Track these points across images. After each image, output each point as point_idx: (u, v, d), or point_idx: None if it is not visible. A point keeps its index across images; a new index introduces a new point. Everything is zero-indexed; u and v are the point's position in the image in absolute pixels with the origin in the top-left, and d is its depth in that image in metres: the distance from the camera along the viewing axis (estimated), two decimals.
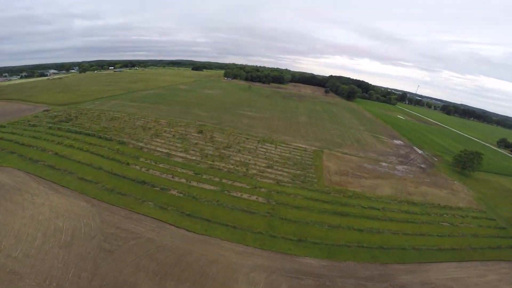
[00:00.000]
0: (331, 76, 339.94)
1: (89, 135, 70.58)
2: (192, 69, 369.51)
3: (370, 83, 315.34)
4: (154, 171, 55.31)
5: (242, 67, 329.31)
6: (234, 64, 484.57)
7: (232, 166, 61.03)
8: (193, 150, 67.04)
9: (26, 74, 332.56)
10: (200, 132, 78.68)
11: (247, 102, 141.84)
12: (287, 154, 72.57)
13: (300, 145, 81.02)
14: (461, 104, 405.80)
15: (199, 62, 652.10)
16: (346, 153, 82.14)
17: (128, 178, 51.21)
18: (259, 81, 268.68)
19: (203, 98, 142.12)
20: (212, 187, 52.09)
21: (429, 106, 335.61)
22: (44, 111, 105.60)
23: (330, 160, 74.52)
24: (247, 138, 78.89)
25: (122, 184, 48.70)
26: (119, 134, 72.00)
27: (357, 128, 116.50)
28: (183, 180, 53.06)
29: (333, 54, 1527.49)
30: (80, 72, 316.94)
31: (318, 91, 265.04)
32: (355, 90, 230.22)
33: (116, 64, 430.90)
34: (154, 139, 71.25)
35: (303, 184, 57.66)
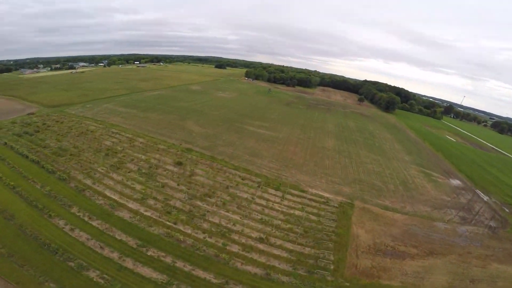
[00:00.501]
0: (365, 81, 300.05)
1: (32, 161, 53.43)
2: (215, 66, 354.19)
3: (410, 90, 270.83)
4: (81, 233, 36.60)
5: (265, 67, 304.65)
6: (259, 63, 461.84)
7: (202, 236, 39.04)
8: (154, 198, 46.10)
9: (58, 66, 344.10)
10: (179, 164, 57.52)
11: (261, 112, 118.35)
12: (297, 212, 48.23)
13: (320, 193, 55.85)
14: (509, 118, 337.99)
15: (226, 59, 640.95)
16: (387, 207, 55.32)
17: (38, 241, 34.98)
18: (283, 83, 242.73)
19: (210, 103, 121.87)
20: (154, 275, 31.64)
21: (478, 121, 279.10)
22: (27, 114, 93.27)
23: (363, 223, 48.82)
24: (243, 179, 55.64)
25: (25, 249, 33.33)
26: (69, 163, 53.84)
27: (402, 159, 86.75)
28: (115, 255, 33.10)
29: (367, 57, 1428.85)
30: (104, 66, 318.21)
31: (350, 98, 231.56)
32: (395, 100, 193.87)
33: (143, 58, 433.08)
34: (111, 174, 51.68)
35: (310, 279, 34.07)
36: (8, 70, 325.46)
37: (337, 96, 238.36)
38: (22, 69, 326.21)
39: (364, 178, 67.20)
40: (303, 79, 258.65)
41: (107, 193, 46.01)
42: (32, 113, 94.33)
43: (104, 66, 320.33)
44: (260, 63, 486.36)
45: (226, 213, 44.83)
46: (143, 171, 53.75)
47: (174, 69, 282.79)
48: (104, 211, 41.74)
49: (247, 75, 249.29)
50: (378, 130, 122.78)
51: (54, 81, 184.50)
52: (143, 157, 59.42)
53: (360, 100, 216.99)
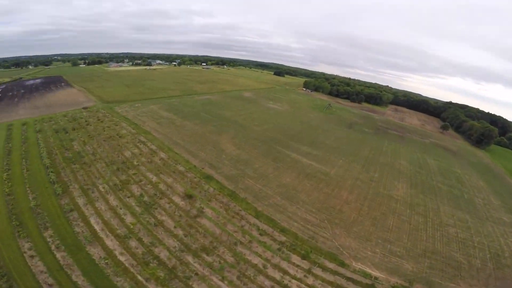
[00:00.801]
0: (450, 104, 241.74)
1: (44, 166, 48.94)
2: (274, 73, 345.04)
3: (509, 120, 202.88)
4: (38, 263, 34.98)
5: (328, 78, 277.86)
6: (322, 74, 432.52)
7: None
8: (139, 239, 34.83)
9: (138, 61, 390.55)
10: (189, 197, 44.96)
11: (313, 133, 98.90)
12: None
13: (367, 269, 35.38)
14: None
15: (286, 66, 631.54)
16: None
17: None
18: (347, 98, 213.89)
19: (256, 115, 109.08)
20: None
21: None
22: (82, 108, 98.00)
23: None
24: (261, 234, 39.20)
25: None
26: (75, 174, 47.51)
27: (499, 220, 55.67)
28: None
29: (451, 75, 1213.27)
30: (175, 65, 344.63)
31: (429, 124, 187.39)
32: (492, 133, 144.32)
33: (211, 60, 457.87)
34: (109, 195, 42.80)
35: None
36: (99, 62, 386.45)
37: (413, 119, 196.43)
38: (110, 63, 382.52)
39: (440, 248, 43.20)
40: (372, 95, 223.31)
41: (92, 220, 37.05)
42: (86, 108, 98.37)
43: (175, 65, 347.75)
44: (323, 74, 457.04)
45: (219, 283, 29.71)
46: (144, 198, 43.16)
47: (234, 73, 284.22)
48: (76, 242, 33.06)
49: (306, 85, 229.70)
50: (467, 173, 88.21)
51: (125, 76, 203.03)
52: (153, 179, 49.29)
53: (444, 127, 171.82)
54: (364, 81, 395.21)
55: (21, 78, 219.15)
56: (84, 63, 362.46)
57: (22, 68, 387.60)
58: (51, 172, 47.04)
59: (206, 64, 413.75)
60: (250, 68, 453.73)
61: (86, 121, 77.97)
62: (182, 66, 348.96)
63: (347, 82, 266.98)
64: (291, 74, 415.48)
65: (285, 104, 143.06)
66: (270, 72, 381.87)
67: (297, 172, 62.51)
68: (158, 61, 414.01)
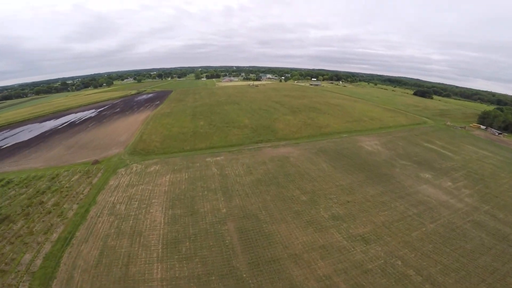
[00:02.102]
0: None
1: None
2: (415, 93, 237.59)
3: None
4: None
5: None
6: (489, 93, 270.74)
7: None
8: None
9: (252, 75, 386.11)
10: None
11: None
12: None
13: None
14: None
15: (428, 83, 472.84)
16: None
17: None
18: None
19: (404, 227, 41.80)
20: None
21: None
22: (92, 163, 65.88)
23: None
24: None
25: None
26: None
27: None
28: None
29: None
30: (280, 81, 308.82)
31: None
32: None
33: (324, 75, 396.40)
34: None
35: None
36: (217, 76, 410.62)
37: None
38: (224, 77, 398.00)
39: None
40: None
41: None
42: (97, 161, 65.55)
43: (281, 81, 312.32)
44: (492, 94, 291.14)
45: None
46: None
47: (351, 92, 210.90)
48: None
49: (485, 120, 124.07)
50: None
51: (220, 93, 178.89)
52: None
53: None
54: None
55: (138, 92, 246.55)
56: (206, 76, 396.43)
57: (162, 79, 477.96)
58: None
59: (316, 79, 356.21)
60: (376, 84, 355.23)
61: (77, 192, 40.84)
62: (289, 82, 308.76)
63: None
64: (439, 94, 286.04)
65: (470, 182, 61.47)
66: (408, 91, 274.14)
67: None
68: (268, 76, 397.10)
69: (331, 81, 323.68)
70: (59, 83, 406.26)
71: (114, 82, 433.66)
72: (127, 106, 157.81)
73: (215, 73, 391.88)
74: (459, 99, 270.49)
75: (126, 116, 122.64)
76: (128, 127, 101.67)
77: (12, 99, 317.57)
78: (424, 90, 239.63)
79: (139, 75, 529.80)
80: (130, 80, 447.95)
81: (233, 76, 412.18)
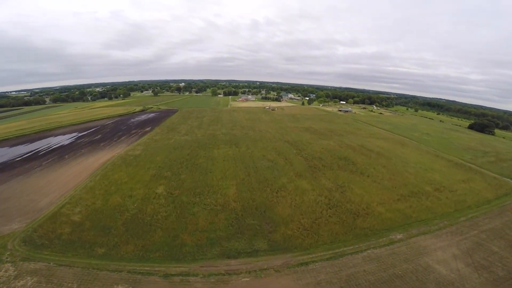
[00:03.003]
0: None
1: None
2: (471, 127, 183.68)
3: None
4: None
5: None
6: None
7: None
8: None
9: (273, 94, 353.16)
10: None
11: None
12: None
13: None
14: None
15: (465, 104, 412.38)
16: None
17: None
18: None
19: None
20: None
21: None
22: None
23: None
24: None
25: None
26: None
27: None
28: None
29: None
30: (303, 103, 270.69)
31: None
32: None
33: (355, 97, 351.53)
34: None
35: None
36: (235, 93, 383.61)
37: None
38: (241, 95, 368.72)
39: None
40: None
41: None
42: None
43: (303, 103, 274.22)
44: None
45: None
46: None
47: (391, 125, 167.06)
48: None
49: None
50: None
51: (225, 121, 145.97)
52: None
53: None
54: None
55: (143, 110, 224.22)
56: (224, 93, 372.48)
57: (180, 93, 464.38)
58: None
59: (346, 102, 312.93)
60: (417, 110, 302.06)
61: None
62: (313, 104, 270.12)
63: None
64: (496, 125, 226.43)
65: None
66: (457, 120, 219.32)
67: None
68: (290, 95, 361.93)
69: (363, 106, 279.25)
70: (78, 91, 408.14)
71: (132, 94, 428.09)
72: (113, 131, 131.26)
73: (233, 90, 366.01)
74: None
75: (94, 152, 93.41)
76: (74, 176, 71.00)
77: (31, 105, 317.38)
78: (484, 123, 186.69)
79: (158, 87, 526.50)
80: (149, 92, 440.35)
81: (251, 94, 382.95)
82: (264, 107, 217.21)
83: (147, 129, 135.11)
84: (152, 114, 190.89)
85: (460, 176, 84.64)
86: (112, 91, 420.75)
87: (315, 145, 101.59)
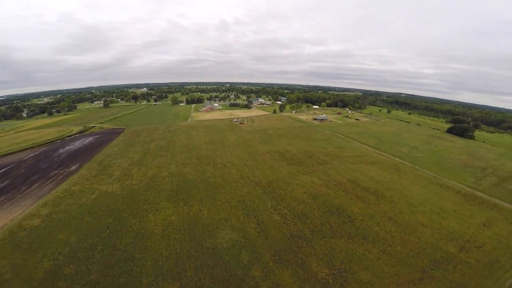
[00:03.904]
0: None
1: None
2: (450, 131, 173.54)
3: None
4: None
5: None
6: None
7: None
8: None
9: (244, 99, 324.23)
10: None
11: None
12: None
13: None
14: None
15: (420, 97, 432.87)
16: None
17: None
18: None
19: None
20: None
21: None
22: None
23: None
24: None
25: None
26: None
27: None
28: None
29: None
30: (274, 111, 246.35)
31: None
32: None
33: (327, 99, 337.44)
34: None
35: None
36: (199, 100, 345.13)
37: None
38: (207, 102, 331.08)
39: None
40: None
41: None
42: None
43: (275, 110, 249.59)
44: None
45: None
46: None
47: (376, 139, 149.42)
48: None
49: None
50: None
51: (152, 151, 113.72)
52: None
53: None
54: None
55: (83, 130, 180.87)
56: (186, 100, 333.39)
57: (136, 102, 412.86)
58: None
59: (319, 106, 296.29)
60: (389, 111, 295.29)
61: None
62: (285, 112, 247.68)
63: None
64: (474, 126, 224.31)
65: None
66: (430, 121, 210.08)
67: None
68: (261, 100, 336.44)
69: (337, 111, 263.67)
70: (11, 108, 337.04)
71: (80, 106, 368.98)
72: (27, 173, 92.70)
73: (197, 97, 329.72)
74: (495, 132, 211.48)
75: None
76: None
77: None
78: (464, 127, 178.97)
79: (115, 94, 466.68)
80: (100, 103, 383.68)
81: (218, 100, 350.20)
82: (232, 120, 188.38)
83: (73, 167, 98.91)
84: (90, 138, 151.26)
85: (478, 217, 66.52)
86: (55, 104, 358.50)
87: (295, 187, 75.68)
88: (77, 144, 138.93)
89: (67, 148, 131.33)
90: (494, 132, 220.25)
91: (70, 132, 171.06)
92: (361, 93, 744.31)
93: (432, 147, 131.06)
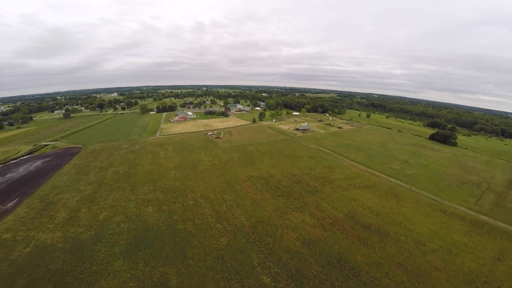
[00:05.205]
0: None
1: None
2: (432, 138, 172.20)
3: None
4: None
5: None
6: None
7: None
8: None
9: (221, 107, 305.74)
10: None
11: None
12: None
13: None
14: None
15: (389, 97, 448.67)
16: None
17: None
18: None
19: None
20: None
21: None
22: None
23: None
24: None
25: None
26: None
27: None
28: None
29: None
30: (254, 121, 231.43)
31: None
32: None
33: (306, 104, 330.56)
34: None
35: None
36: (171, 108, 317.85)
37: None
38: (179, 111, 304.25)
39: None
40: None
41: None
42: None
43: (254, 120, 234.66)
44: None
45: None
46: None
47: (363, 150, 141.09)
48: None
49: None
50: None
51: (108, 185, 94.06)
52: None
53: None
54: None
55: (32, 151, 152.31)
56: (157, 108, 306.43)
57: (102, 110, 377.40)
58: None
59: (299, 113, 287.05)
60: (368, 116, 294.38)
61: None
62: (266, 119, 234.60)
63: None
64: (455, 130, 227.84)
65: None
66: (408, 125, 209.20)
67: None
68: (239, 106, 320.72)
69: (318, 118, 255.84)
70: None
71: (37, 116, 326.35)
72: None
73: (168, 105, 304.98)
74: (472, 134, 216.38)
75: None
76: None
77: None
78: (446, 133, 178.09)
79: (79, 101, 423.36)
80: (61, 113, 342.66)
81: (193, 107, 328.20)
82: (206, 133, 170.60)
83: (10, 204, 77.46)
84: (39, 162, 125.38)
85: (490, 249, 60.23)
86: (8, 115, 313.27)
87: (285, 230, 61.36)
88: (21, 170, 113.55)
89: (8, 176, 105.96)
90: (470, 135, 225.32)
91: (17, 153, 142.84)
92: (336, 94, 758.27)
93: (422, 160, 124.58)
